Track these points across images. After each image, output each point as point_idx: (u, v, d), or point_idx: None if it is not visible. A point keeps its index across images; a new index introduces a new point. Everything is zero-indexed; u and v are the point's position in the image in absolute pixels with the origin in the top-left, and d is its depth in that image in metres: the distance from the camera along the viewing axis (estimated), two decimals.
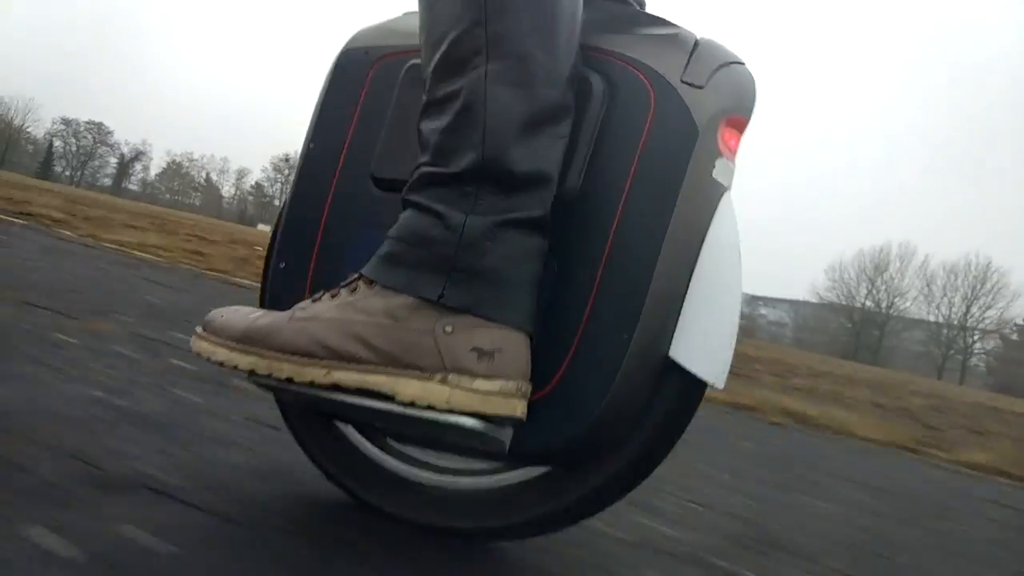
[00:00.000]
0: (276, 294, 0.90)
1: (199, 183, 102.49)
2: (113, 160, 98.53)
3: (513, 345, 0.71)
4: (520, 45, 0.74)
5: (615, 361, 0.75)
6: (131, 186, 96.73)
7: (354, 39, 0.95)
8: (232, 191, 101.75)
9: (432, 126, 0.76)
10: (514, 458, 0.80)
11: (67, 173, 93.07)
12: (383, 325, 0.72)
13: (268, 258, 0.96)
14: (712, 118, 0.79)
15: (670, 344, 0.77)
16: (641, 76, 0.80)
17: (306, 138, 0.93)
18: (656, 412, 0.79)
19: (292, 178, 0.93)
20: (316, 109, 0.93)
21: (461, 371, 0.70)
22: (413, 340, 0.71)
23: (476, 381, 0.69)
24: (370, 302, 0.73)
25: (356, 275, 0.76)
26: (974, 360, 63.56)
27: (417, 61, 0.87)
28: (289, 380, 0.73)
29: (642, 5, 1.01)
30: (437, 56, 0.76)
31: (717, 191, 0.80)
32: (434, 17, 0.78)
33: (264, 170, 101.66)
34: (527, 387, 0.72)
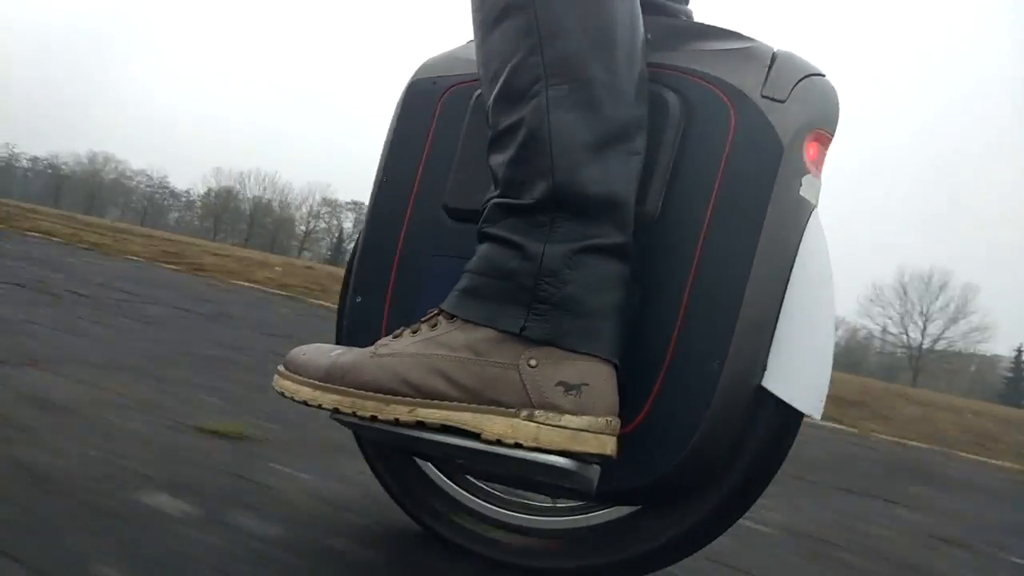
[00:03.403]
0: (353, 328, 0.90)
1: None
2: None
3: (600, 378, 0.69)
4: (578, 67, 0.72)
5: (705, 393, 0.72)
6: None
7: (422, 69, 0.95)
8: None
9: (500, 159, 0.75)
10: (601, 498, 0.77)
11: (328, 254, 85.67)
12: (465, 360, 0.70)
13: (344, 292, 0.96)
14: (797, 133, 0.76)
15: (763, 373, 0.74)
16: (719, 92, 0.78)
17: (378, 170, 0.93)
18: (750, 446, 0.76)
19: (367, 210, 0.93)
20: (387, 140, 0.93)
21: (548, 407, 0.67)
22: (496, 375, 0.69)
23: (564, 417, 0.67)
24: (451, 336, 0.72)
25: (435, 310, 0.75)
26: None
27: None
28: (373, 418, 0.72)
29: (689, 16, 0.99)
30: (496, 89, 0.75)
31: (805, 209, 0.77)
32: (489, 51, 0.77)
33: None
34: (616, 422, 0.69)
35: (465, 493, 0.92)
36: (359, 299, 0.90)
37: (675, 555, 0.81)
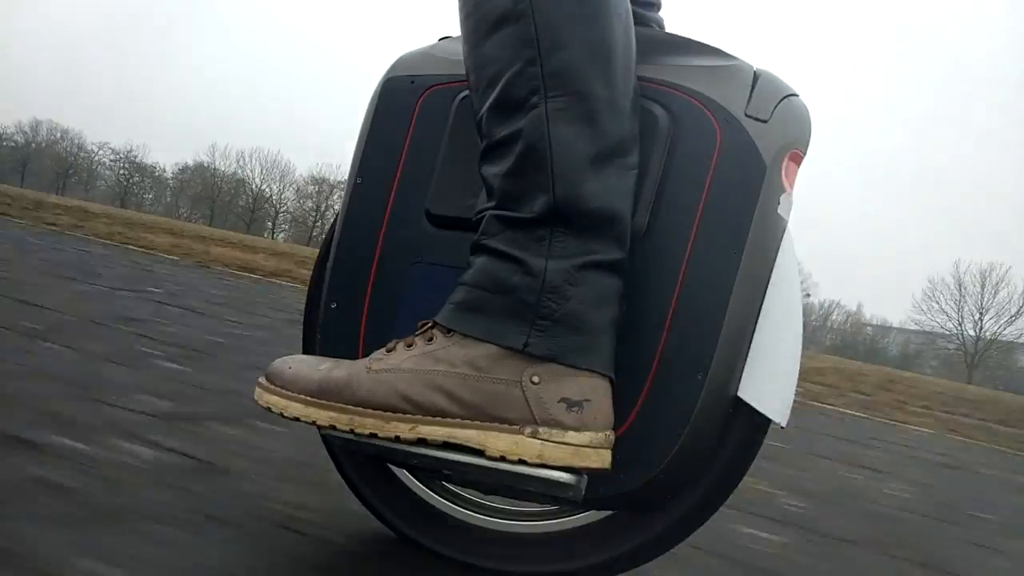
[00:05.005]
0: (328, 334, 0.87)
1: None
2: None
3: (600, 393, 0.70)
4: (579, 80, 0.72)
5: (690, 402, 0.75)
6: None
7: (397, 66, 0.92)
8: None
9: (494, 170, 0.74)
10: (587, 504, 0.79)
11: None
12: (466, 376, 0.70)
13: (311, 297, 0.94)
14: (778, 153, 0.79)
15: (739, 383, 0.78)
16: (705, 110, 0.80)
17: (351, 172, 0.90)
18: (723, 452, 0.80)
19: (340, 213, 0.90)
20: (361, 141, 0.90)
21: (551, 423, 0.69)
22: (499, 391, 0.70)
23: (567, 434, 0.68)
24: (450, 352, 0.72)
25: (430, 323, 0.75)
26: None
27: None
28: (372, 435, 0.71)
29: (661, 26, 1.00)
30: (492, 98, 0.74)
31: (781, 226, 0.80)
32: (483, 58, 0.75)
33: None
34: (612, 436, 0.71)
35: (436, 496, 0.92)
36: (334, 305, 0.87)
37: (637, 560, 0.84)
